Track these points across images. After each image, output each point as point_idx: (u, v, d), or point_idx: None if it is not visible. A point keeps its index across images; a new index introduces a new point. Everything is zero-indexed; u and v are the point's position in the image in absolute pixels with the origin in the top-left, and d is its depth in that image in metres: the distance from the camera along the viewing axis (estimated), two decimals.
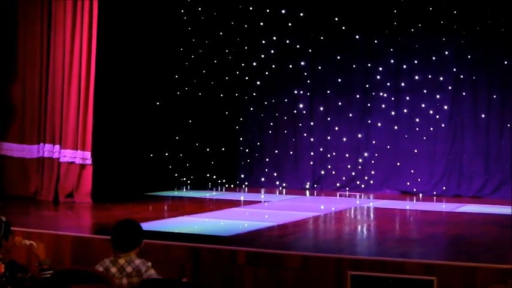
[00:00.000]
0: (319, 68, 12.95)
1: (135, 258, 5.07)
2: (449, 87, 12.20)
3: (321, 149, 13.01)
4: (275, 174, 13.19)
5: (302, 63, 13.02)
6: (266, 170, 13.29)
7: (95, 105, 10.32)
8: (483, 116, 12.04)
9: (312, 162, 13.07)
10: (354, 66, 12.70)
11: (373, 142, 12.70)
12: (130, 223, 5.30)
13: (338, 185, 12.77)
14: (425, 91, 12.31)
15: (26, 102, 10.72)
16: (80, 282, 4.57)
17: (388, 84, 12.55)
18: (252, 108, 13.41)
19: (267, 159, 13.31)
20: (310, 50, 12.92)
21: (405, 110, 12.48)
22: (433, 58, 12.22)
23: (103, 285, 4.67)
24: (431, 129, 12.32)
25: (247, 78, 13.31)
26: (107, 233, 5.32)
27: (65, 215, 9.72)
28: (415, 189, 12.27)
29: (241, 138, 13.52)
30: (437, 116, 12.27)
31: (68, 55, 10.42)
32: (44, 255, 5.19)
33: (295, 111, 13.13)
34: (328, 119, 12.97)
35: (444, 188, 12.18)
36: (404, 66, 12.45)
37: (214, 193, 12.16)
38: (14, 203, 9.81)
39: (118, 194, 10.69)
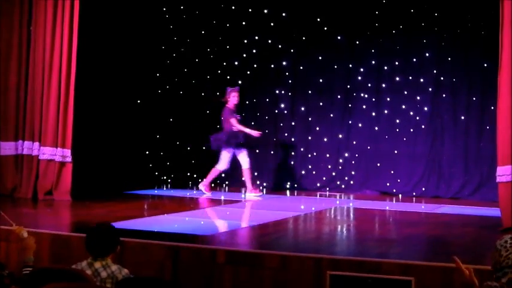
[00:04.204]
0: (301, 68, 12.96)
1: (111, 264, 4.98)
2: (430, 89, 12.26)
3: (302, 149, 13.03)
4: (255, 173, 13.18)
5: (284, 63, 13.02)
6: None
7: (75, 103, 10.25)
8: (463, 117, 12.10)
9: (292, 162, 13.09)
10: (336, 66, 12.73)
11: (354, 142, 12.73)
12: (105, 228, 5.13)
13: (318, 185, 12.79)
14: (405, 92, 12.36)
15: (1, 98, 10.59)
16: (58, 281, 4.54)
17: (369, 85, 12.58)
18: None
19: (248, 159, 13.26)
20: (292, 50, 12.93)
21: (386, 111, 12.52)
22: (414, 60, 12.27)
23: (82, 283, 4.64)
24: (412, 130, 12.36)
25: (228, 77, 13.29)
26: (86, 231, 5.27)
27: (44, 212, 9.66)
28: (394, 190, 12.31)
29: None
30: (418, 117, 12.31)
31: (48, 51, 10.32)
32: (32, 252, 5.18)
33: (276, 111, 13.13)
34: (309, 119, 12.98)
35: (423, 189, 12.23)
36: (385, 68, 12.49)
37: (194, 192, 12.13)
38: None
39: (98, 192, 10.64)
